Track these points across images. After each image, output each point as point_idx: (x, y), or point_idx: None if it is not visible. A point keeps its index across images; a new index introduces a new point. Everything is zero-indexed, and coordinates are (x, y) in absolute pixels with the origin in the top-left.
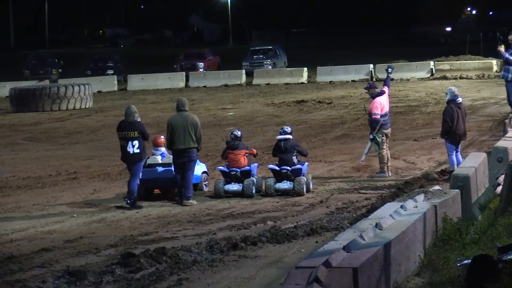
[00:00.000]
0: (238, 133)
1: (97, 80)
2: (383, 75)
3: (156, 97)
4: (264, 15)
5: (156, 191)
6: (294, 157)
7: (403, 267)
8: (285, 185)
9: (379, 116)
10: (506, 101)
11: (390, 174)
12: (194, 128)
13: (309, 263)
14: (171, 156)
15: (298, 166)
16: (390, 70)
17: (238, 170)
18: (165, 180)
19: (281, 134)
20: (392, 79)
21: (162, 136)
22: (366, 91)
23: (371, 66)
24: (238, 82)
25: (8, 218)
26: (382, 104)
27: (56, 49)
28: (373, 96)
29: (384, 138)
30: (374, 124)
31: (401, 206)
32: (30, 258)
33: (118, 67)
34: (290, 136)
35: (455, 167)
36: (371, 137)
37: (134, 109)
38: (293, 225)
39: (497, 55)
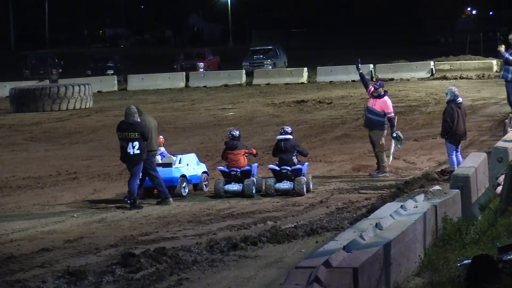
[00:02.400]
0: (236, 132)
1: (97, 80)
2: (383, 75)
3: (156, 97)
4: (264, 15)
5: (156, 191)
6: (294, 157)
7: (403, 267)
8: (285, 185)
9: (393, 114)
10: (506, 101)
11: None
12: (157, 130)
13: (309, 263)
14: (171, 156)
15: (298, 166)
16: (359, 66)
17: (238, 170)
18: (165, 180)
19: (281, 134)
20: (392, 79)
21: (161, 136)
22: (376, 88)
23: (371, 66)
24: (238, 82)
25: (8, 218)
26: (392, 103)
27: (56, 49)
28: (381, 95)
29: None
30: (392, 122)
31: (401, 206)
32: (30, 258)
33: (118, 67)
34: (290, 136)
35: (455, 167)
36: (394, 135)
37: (134, 109)
38: (293, 225)
39: (497, 55)
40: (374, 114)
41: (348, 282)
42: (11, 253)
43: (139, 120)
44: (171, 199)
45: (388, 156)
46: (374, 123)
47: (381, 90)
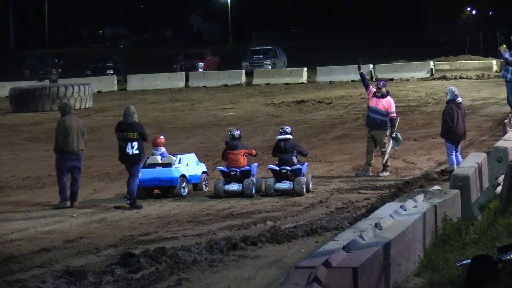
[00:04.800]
0: (237, 133)
1: (97, 80)
2: (382, 75)
3: (156, 97)
4: (264, 15)
5: (156, 191)
6: (294, 157)
7: (402, 267)
8: (285, 185)
9: (395, 114)
10: (505, 101)
11: (371, 174)
12: (82, 131)
13: (308, 263)
14: (171, 156)
15: (298, 166)
16: (360, 66)
17: (238, 170)
18: (164, 180)
19: (281, 134)
20: (392, 79)
21: (162, 136)
22: (379, 88)
23: (371, 66)
24: (238, 82)
25: (8, 218)
26: (395, 103)
27: (56, 49)
28: (384, 95)
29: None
30: (394, 122)
31: (401, 206)
32: (30, 258)
33: (118, 67)
34: (290, 136)
35: (455, 167)
36: (394, 135)
37: (133, 109)
38: (293, 225)
39: (497, 55)
40: (379, 114)
41: (347, 282)
42: (10, 253)
43: (137, 120)
44: (68, 203)
45: (382, 156)
46: (378, 123)
47: (384, 90)
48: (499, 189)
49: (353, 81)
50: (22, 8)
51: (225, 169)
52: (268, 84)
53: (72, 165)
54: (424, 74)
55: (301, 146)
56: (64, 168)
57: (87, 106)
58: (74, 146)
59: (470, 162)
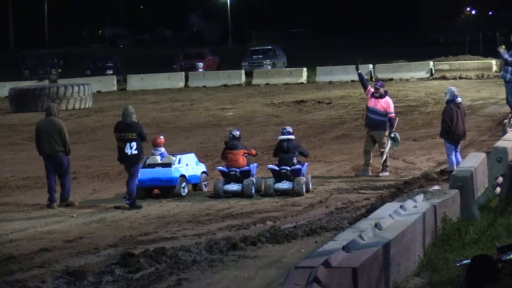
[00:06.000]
0: (237, 133)
1: (96, 80)
2: (382, 75)
3: (156, 97)
4: (264, 15)
5: (156, 191)
6: (294, 158)
7: (402, 267)
8: (284, 185)
9: (394, 114)
10: (505, 101)
11: (371, 174)
12: (58, 134)
13: (308, 263)
14: (171, 156)
15: (298, 166)
16: (359, 66)
17: (238, 170)
18: (164, 180)
19: (283, 134)
20: (392, 79)
21: (162, 136)
22: (377, 88)
23: (371, 66)
24: (238, 82)
25: (8, 218)
26: (393, 103)
27: (56, 49)
28: (382, 96)
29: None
30: (392, 122)
31: (401, 206)
32: (30, 258)
33: (117, 67)
34: (292, 137)
35: (455, 167)
36: (392, 135)
37: (132, 110)
38: (292, 225)
39: (496, 55)
40: (377, 114)
41: (347, 282)
42: (10, 253)
43: (136, 120)
44: (55, 205)
45: (381, 156)
46: (378, 123)
47: (382, 90)
48: (498, 189)
49: (352, 81)
50: (22, 8)
51: (225, 169)
52: (267, 84)
53: (54, 167)
54: (423, 74)
55: (302, 147)
56: (48, 168)
57: (86, 106)
58: (47, 149)
59: (470, 162)
